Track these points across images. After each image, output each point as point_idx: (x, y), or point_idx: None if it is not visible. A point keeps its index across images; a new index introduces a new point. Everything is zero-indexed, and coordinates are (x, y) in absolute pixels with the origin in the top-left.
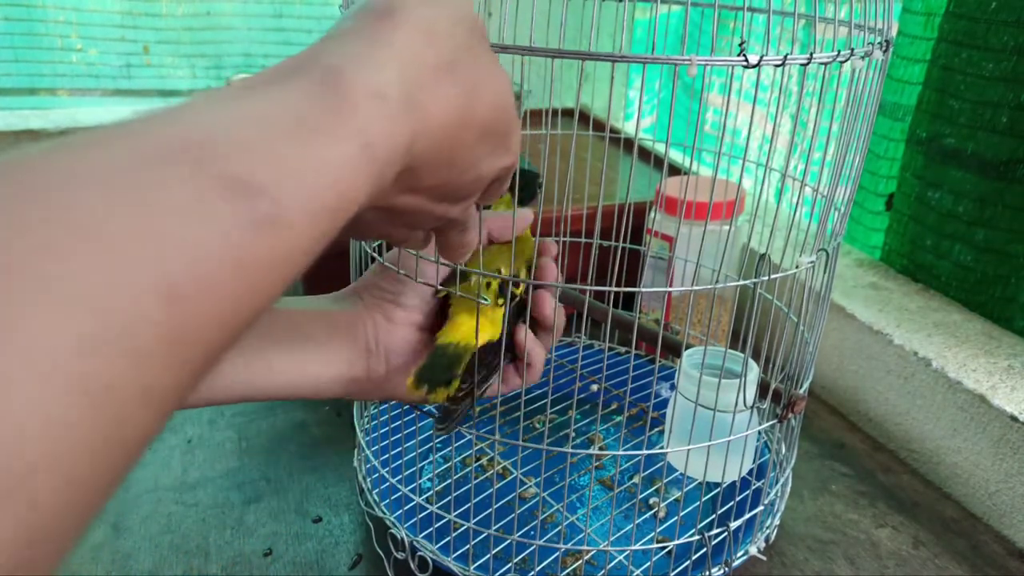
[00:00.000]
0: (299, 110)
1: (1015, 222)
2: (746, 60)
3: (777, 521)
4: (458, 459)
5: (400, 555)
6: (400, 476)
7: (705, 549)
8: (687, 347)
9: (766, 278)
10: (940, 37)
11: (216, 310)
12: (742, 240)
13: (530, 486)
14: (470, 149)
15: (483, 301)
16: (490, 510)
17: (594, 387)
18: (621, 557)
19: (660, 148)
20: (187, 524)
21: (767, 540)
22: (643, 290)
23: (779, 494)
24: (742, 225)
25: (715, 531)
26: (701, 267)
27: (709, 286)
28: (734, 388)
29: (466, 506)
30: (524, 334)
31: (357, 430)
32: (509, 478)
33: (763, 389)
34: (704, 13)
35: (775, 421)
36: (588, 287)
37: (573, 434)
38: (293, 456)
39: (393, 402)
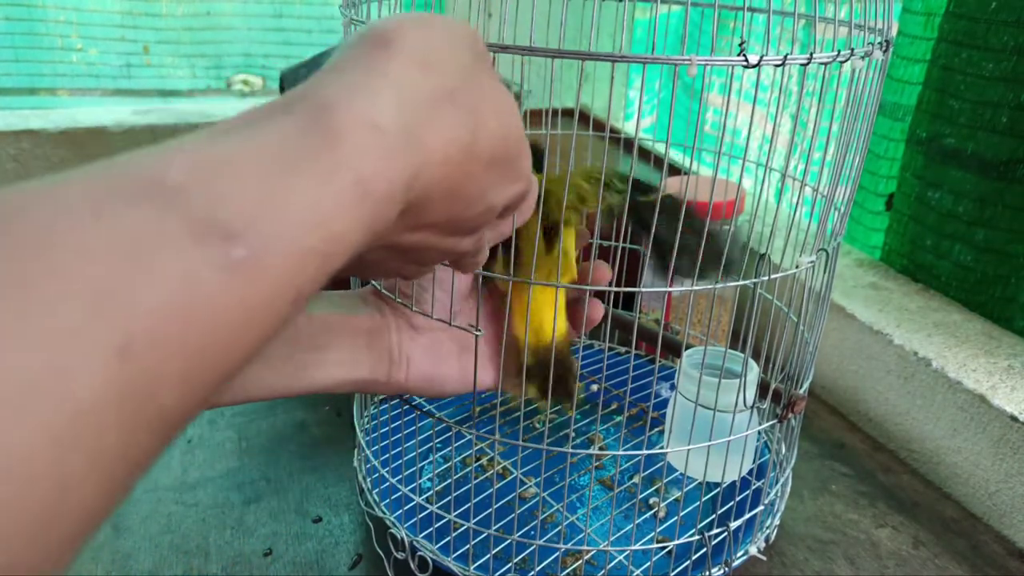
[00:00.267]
0: (285, 147)
1: (1015, 222)
2: (746, 60)
3: (777, 521)
4: (458, 459)
5: (400, 555)
6: (400, 476)
7: (705, 549)
8: (687, 347)
9: (766, 278)
10: (940, 37)
11: (179, 365)
12: (742, 240)
13: (530, 486)
14: (477, 180)
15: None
16: (490, 510)
17: (594, 387)
18: (621, 557)
19: (660, 148)
20: (187, 524)
21: (767, 540)
22: (643, 290)
23: (779, 494)
24: (742, 225)
25: (715, 531)
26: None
27: (709, 286)
28: (734, 388)
29: (466, 506)
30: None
31: (357, 430)
32: (509, 478)
33: (763, 389)
34: (704, 13)
35: (775, 421)
36: (588, 287)
37: (573, 434)
38: (293, 456)
39: (394, 401)
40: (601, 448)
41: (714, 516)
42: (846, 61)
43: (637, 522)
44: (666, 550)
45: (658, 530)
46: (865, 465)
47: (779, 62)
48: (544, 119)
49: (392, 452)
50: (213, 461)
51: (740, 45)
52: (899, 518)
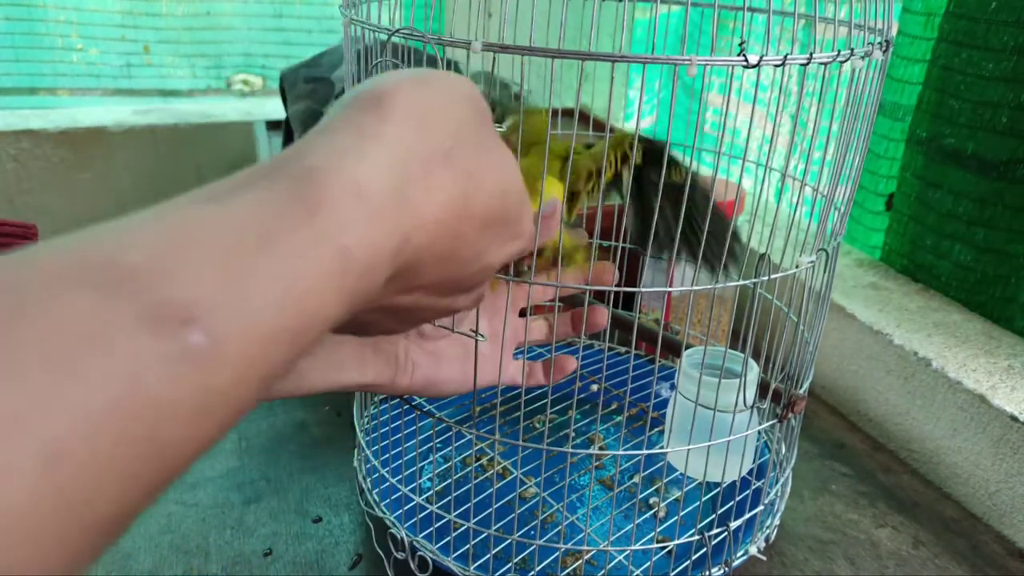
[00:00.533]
0: (262, 218)
1: (1015, 222)
2: (746, 60)
3: (777, 521)
4: (458, 459)
5: (400, 555)
6: (400, 476)
7: (705, 549)
8: (687, 347)
9: (766, 278)
10: (940, 37)
11: (120, 468)
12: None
13: (530, 486)
14: (473, 241)
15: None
16: (490, 510)
17: (594, 387)
18: (621, 557)
19: None
20: (187, 524)
21: (767, 540)
22: (643, 290)
23: (779, 494)
24: (742, 225)
25: (715, 531)
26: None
27: (709, 286)
28: (734, 388)
29: (466, 506)
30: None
31: (357, 430)
32: (509, 478)
33: (763, 389)
34: (704, 13)
35: (775, 421)
36: (588, 287)
37: (573, 434)
38: (293, 456)
39: (394, 401)
40: (601, 448)
41: (714, 516)
42: (846, 61)
43: (637, 522)
44: (666, 550)
45: (658, 530)
46: (865, 465)
47: (779, 62)
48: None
49: (392, 452)
50: (213, 461)
51: (740, 45)
52: (899, 518)
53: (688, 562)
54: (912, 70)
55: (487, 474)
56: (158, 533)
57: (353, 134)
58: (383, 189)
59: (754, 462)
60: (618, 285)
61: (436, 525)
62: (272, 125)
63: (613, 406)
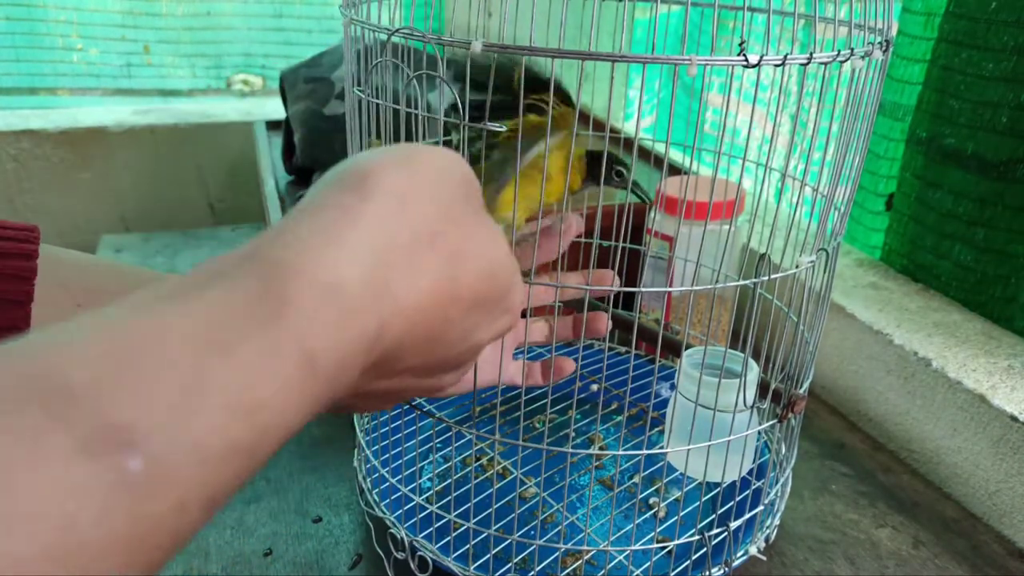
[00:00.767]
0: (220, 323)
1: (1015, 222)
2: (746, 60)
3: (777, 521)
4: (458, 459)
5: (400, 555)
6: (400, 476)
7: (705, 549)
8: (687, 347)
9: (766, 278)
10: (940, 37)
11: None
12: (742, 240)
13: (530, 486)
14: (458, 323)
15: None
16: (490, 510)
17: (594, 387)
18: (621, 557)
19: (660, 148)
20: None
21: (767, 540)
22: (643, 290)
23: (779, 494)
24: (742, 225)
25: (715, 531)
26: (701, 267)
27: (709, 286)
28: (734, 388)
29: (466, 506)
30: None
31: (357, 430)
32: (509, 478)
33: (763, 389)
34: (704, 13)
35: (775, 421)
36: (588, 287)
37: (573, 434)
38: (293, 456)
39: None
40: (601, 448)
41: (714, 516)
42: (846, 61)
43: (637, 522)
44: (666, 550)
45: (658, 530)
46: (865, 465)
47: (779, 62)
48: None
49: (392, 452)
50: None
51: (740, 45)
52: (899, 518)
53: (688, 562)
54: (912, 70)
55: (487, 474)
56: None
57: (332, 218)
58: (360, 281)
59: (754, 462)
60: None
61: (436, 525)
62: (272, 125)
63: (613, 406)
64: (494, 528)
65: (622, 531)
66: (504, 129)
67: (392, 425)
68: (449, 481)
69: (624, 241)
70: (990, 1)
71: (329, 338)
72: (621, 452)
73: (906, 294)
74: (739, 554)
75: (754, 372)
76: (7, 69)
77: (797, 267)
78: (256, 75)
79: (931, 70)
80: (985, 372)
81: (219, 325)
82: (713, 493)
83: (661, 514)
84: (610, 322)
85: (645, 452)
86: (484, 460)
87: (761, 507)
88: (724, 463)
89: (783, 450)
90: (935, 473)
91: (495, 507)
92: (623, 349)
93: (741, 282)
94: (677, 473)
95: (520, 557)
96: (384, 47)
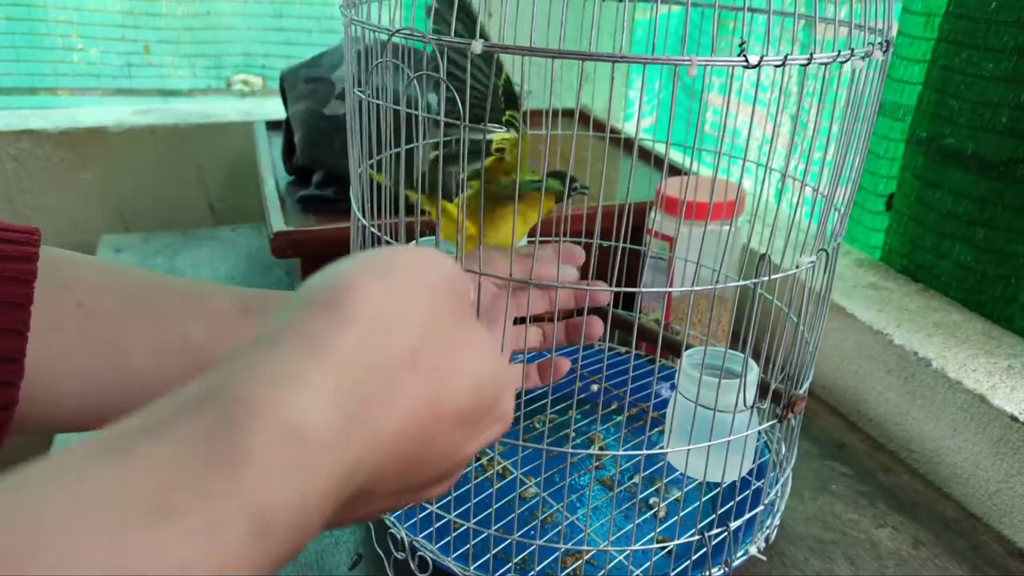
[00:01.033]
0: (168, 478)
1: (1015, 222)
2: (746, 60)
3: (777, 521)
4: None
5: (400, 555)
6: None
7: (705, 549)
8: (687, 347)
9: (766, 278)
10: (940, 37)
11: None
12: (742, 240)
13: (530, 486)
14: (444, 439)
15: None
16: (490, 510)
17: (594, 387)
18: (621, 557)
19: (660, 148)
20: None
21: (767, 540)
22: (643, 290)
23: (779, 494)
24: (742, 225)
25: (715, 531)
26: (701, 267)
27: (709, 286)
28: (734, 388)
29: (466, 506)
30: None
31: None
32: (509, 478)
33: (763, 389)
34: (704, 13)
35: (775, 421)
36: (588, 287)
37: (573, 434)
38: None
39: None
40: (601, 448)
41: (714, 516)
42: (846, 61)
43: (637, 522)
44: (666, 550)
45: (658, 530)
46: (865, 465)
47: (779, 62)
48: (544, 119)
49: None
50: None
51: (740, 45)
52: (899, 518)
53: (688, 562)
54: (912, 70)
55: (487, 474)
56: None
57: (301, 349)
58: (326, 423)
59: (754, 462)
60: (618, 285)
61: (436, 525)
62: (272, 125)
63: (613, 406)
64: (494, 528)
65: (622, 531)
66: (504, 130)
67: None
68: None
69: (624, 241)
70: (990, 1)
71: (291, 488)
72: (621, 452)
73: (906, 294)
74: (739, 554)
75: (754, 372)
76: (7, 69)
77: (797, 267)
78: (256, 75)
79: (931, 70)
80: (985, 372)
81: (165, 481)
82: (713, 493)
83: (661, 514)
84: (606, 328)
85: (645, 452)
86: (484, 460)
87: (761, 507)
88: (724, 463)
89: (783, 450)
90: (935, 473)
91: (495, 507)
92: (623, 349)
93: (741, 282)
94: (677, 473)
95: (520, 557)
96: (384, 47)
